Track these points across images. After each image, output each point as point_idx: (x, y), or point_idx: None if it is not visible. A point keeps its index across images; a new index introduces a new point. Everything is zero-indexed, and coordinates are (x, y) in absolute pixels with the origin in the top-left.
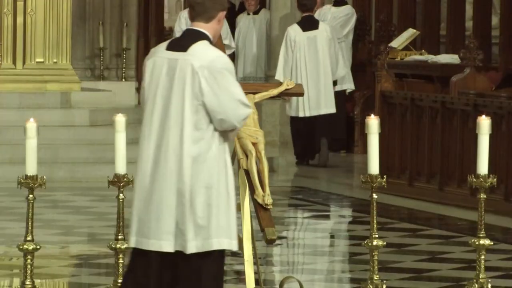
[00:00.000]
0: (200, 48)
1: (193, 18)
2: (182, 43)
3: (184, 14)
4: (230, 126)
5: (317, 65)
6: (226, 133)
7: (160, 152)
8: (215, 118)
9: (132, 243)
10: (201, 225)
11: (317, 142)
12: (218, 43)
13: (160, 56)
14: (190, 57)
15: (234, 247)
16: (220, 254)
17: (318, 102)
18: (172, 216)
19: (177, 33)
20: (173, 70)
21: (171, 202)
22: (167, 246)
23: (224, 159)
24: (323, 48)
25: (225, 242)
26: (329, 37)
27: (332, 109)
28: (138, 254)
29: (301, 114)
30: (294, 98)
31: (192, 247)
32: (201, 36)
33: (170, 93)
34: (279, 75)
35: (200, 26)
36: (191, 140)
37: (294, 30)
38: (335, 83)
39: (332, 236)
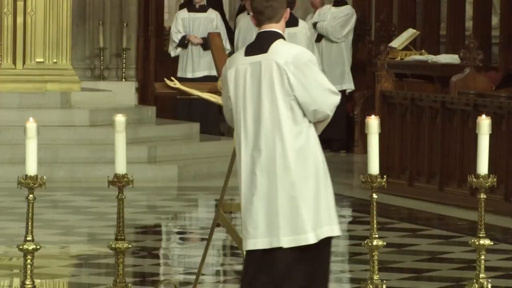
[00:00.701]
0: (280, 46)
1: (261, 22)
2: (260, 46)
3: (181, 15)
4: (323, 116)
5: None
6: (316, 124)
7: (260, 153)
8: (308, 110)
9: (249, 246)
10: (314, 215)
11: None
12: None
13: (241, 64)
14: (273, 55)
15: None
16: (329, 241)
17: None
18: (283, 212)
19: (174, 33)
20: (257, 73)
21: (282, 199)
22: (284, 242)
23: (320, 149)
24: (302, 44)
25: (336, 228)
26: (307, 35)
27: None
28: (253, 257)
29: None
30: None
31: (311, 238)
32: (276, 35)
33: (260, 95)
34: None
35: (271, 27)
36: (292, 135)
37: None
38: None
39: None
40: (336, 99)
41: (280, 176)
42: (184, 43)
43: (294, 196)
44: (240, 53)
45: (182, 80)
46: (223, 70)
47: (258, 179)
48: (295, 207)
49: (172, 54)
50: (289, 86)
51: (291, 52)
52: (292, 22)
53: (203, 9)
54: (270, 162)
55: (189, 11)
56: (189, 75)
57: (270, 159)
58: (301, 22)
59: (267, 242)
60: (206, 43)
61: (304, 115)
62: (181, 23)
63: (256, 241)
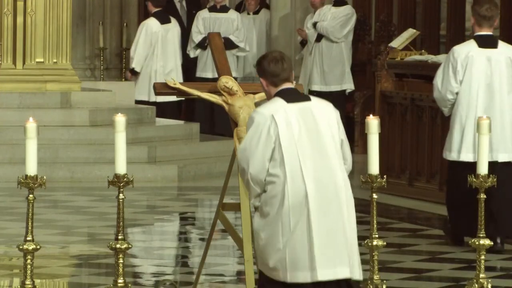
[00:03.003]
0: (317, 99)
1: (276, 84)
2: (297, 96)
3: (202, 14)
4: (350, 168)
5: (174, 56)
6: None
7: (328, 189)
8: (347, 161)
9: (320, 276)
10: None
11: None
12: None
13: (289, 109)
14: (320, 104)
15: None
16: None
17: None
18: (346, 242)
19: (195, 33)
20: (311, 117)
21: (345, 226)
22: (347, 272)
23: None
24: (176, 42)
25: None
26: (179, 32)
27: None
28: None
29: (151, 99)
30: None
31: (359, 274)
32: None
33: (320, 136)
34: (137, 64)
35: (289, 85)
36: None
37: (154, 23)
38: None
39: None
40: None
41: (347, 206)
42: (203, 45)
43: (351, 227)
44: (277, 101)
45: (202, 80)
46: (255, 116)
47: (333, 209)
48: (351, 238)
49: (191, 55)
50: (339, 130)
51: (330, 105)
52: (167, 19)
53: (224, 9)
54: (338, 195)
55: (210, 11)
56: (210, 75)
57: (338, 193)
58: (172, 19)
59: (344, 272)
60: (227, 44)
61: None
62: (202, 23)
63: (329, 271)
